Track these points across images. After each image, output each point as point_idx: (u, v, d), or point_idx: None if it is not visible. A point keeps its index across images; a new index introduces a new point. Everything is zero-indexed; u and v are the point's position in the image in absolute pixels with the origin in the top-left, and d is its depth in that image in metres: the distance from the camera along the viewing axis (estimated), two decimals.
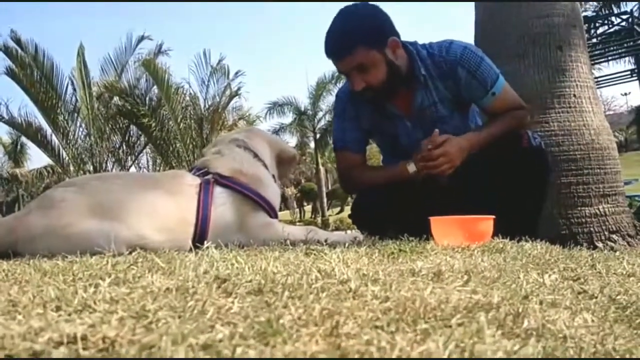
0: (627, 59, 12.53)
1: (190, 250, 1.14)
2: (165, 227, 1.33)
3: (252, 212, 1.48)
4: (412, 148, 1.67)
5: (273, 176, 1.67)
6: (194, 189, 1.43)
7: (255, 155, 1.63)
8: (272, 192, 1.58)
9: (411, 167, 1.63)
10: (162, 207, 1.37)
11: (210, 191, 1.43)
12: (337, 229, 16.21)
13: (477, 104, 1.78)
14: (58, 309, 0.60)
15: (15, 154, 24.99)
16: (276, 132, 19.76)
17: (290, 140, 22.41)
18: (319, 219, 21.65)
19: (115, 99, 12.41)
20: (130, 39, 12.26)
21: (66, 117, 11.63)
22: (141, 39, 12.38)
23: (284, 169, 1.80)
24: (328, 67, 19.00)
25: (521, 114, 1.75)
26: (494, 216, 1.35)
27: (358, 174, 1.82)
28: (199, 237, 1.37)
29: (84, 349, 0.46)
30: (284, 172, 1.81)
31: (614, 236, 2.35)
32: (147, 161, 14.83)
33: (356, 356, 0.46)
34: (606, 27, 10.75)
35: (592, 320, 0.66)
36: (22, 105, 17.31)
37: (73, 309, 0.59)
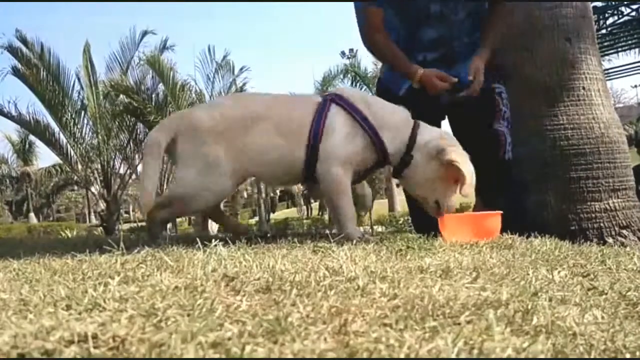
0: (637, 50, 12.32)
1: (204, 245, 1.14)
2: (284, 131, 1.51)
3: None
4: (439, 18, 1.86)
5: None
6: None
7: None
8: (390, 137, 1.55)
9: (416, 84, 1.81)
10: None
11: (327, 107, 1.54)
12: None
13: None
14: (68, 307, 0.60)
15: (24, 153, 25.20)
16: None
17: None
18: (325, 216, 21.62)
19: (122, 96, 12.46)
20: (133, 34, 12.25)
21: (73, 115, 11.70)
22: (145, 33, 12.34)
23: None
24: (334, 62, 18.91)
25: (507, 13, 2.02)
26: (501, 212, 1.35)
27: (381, 44, 1.90)
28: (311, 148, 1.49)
29: (94, 347, 0.46)
30: None
31: (624, 231, 2.32)
32: None
33: (365, 354, 0.46)
34: (616, 18, 10.57)
35: (602, 317, 0.65)
36: (29, 103, 17.38)
37: (83, 308, 0.60)
